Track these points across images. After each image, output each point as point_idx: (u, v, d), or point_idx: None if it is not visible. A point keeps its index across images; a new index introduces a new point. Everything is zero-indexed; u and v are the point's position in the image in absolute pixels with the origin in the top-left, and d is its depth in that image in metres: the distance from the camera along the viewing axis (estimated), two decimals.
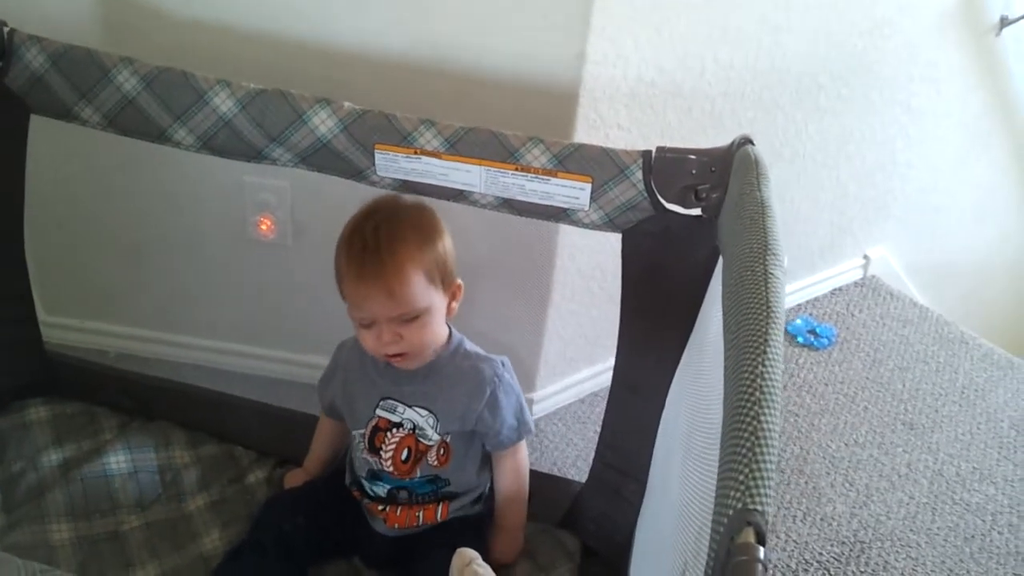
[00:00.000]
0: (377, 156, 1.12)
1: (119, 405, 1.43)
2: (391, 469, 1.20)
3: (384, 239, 1.09)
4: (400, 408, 1.19)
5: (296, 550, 1.20)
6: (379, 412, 1.20)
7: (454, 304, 1.17)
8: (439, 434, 1.18)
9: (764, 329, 0.66)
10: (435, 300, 1.12)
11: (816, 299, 2.20)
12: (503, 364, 1.21)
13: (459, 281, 1.17)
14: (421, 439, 1.18)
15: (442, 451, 1.20)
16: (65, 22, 1.31)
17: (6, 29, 1.16)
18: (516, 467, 1.24)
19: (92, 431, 1.38)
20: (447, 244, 1.14)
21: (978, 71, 2.08)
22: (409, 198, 1.16)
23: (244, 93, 1.12)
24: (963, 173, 2.28)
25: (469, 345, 1.22)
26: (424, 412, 1.18)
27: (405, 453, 1.19)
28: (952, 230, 2.39)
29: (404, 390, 1.19)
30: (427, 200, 1.15)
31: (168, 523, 1.27)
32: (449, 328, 1.21)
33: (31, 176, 1.29)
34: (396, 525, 1.22)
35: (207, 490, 1.33)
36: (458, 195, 1.14)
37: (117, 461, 1.33)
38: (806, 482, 1.64)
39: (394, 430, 1.19)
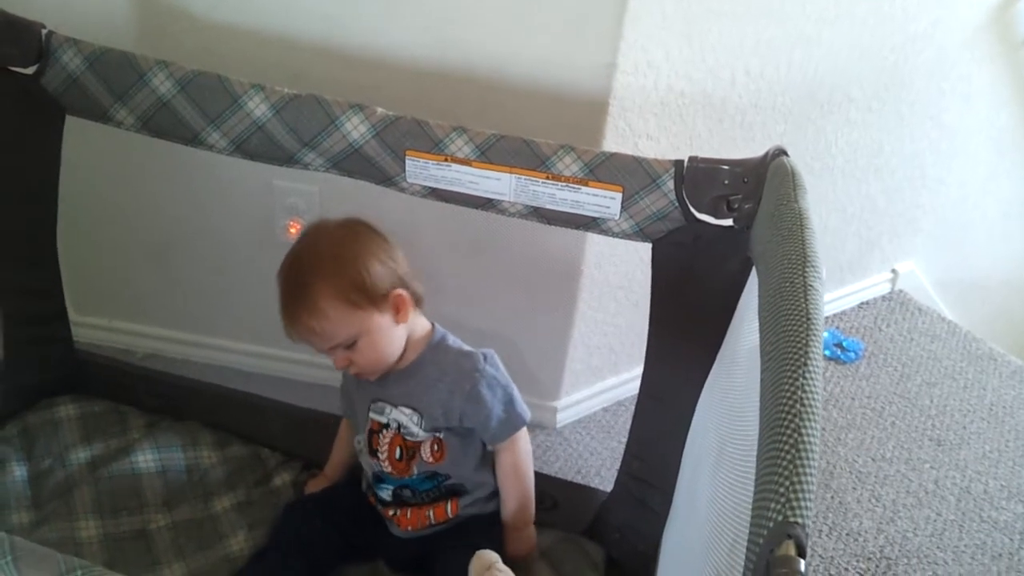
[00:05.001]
0: (408, 163, 1.12)
1: (146, 404, 1.44)
2: (389, 469, 1.20)
3: (296, 275, 1.11)
4: (388, 409, 1.19)
5: (317, 554, 1.20)
6: (371, 415, 1.21)
7: (402, 312, 1.14)
8: (425, 431, 1.17)
9: (804, 340, 0.66)
10: (368, 321, 1.11)
11: (844, 312, 2.18)
12: (485, 358, 1.18)
13: (397, 291, 1.13)
14: (408, 437, 1.18)
15: (436, 447, 1.19)
16: (101, 25, 1.33)
17: (44, 31, 1.17)
18: (514, 461, 1.21)
19: (120, 429, 1.39)
20: (371, 261, 1.11)
21: (1009, 86, 2.06)
22: (339, 217, 1.16)
23: (278, 98, 1.12)
24: (993, 188, 2.25)
25: (452, 340, 1.21)
26: (408, 411, 1.17)
27: (398, 452, 1.19)
28: (981, 245, 2.36)
29: (391, 391, 1.19)
30: (455, 208, 1.14)
31: (194, 523, 1.28)
32: (432, 324, 1.21)
33: (64, 176, 1.30)
34: (409, 528, 1.22)
35: (233, 491, 1.33)
36: (487, 204, 1.13)
37: (145, 460, 1.34)
38: (832, 497, 1.63)
39: (384, 431, 1.19)
